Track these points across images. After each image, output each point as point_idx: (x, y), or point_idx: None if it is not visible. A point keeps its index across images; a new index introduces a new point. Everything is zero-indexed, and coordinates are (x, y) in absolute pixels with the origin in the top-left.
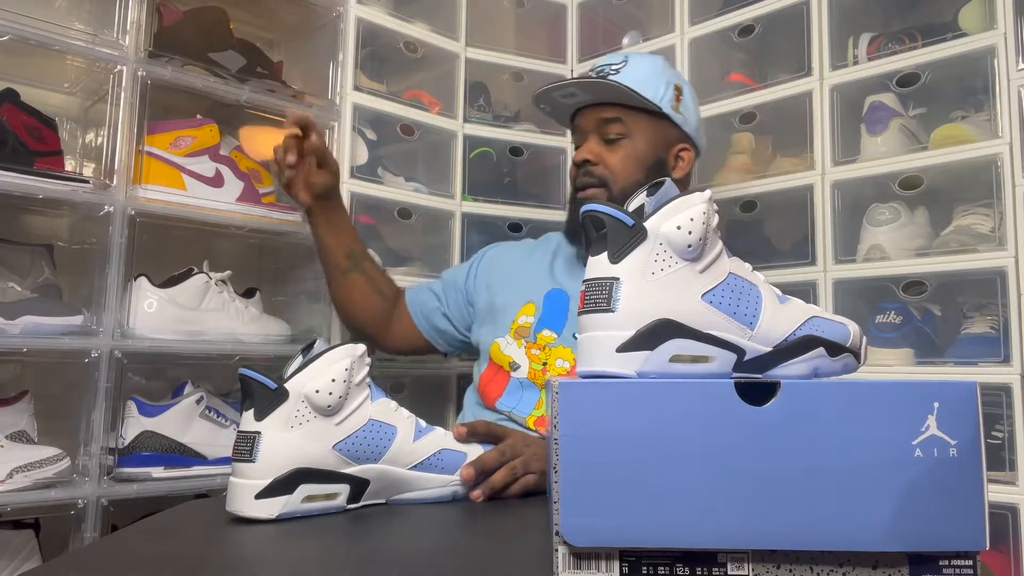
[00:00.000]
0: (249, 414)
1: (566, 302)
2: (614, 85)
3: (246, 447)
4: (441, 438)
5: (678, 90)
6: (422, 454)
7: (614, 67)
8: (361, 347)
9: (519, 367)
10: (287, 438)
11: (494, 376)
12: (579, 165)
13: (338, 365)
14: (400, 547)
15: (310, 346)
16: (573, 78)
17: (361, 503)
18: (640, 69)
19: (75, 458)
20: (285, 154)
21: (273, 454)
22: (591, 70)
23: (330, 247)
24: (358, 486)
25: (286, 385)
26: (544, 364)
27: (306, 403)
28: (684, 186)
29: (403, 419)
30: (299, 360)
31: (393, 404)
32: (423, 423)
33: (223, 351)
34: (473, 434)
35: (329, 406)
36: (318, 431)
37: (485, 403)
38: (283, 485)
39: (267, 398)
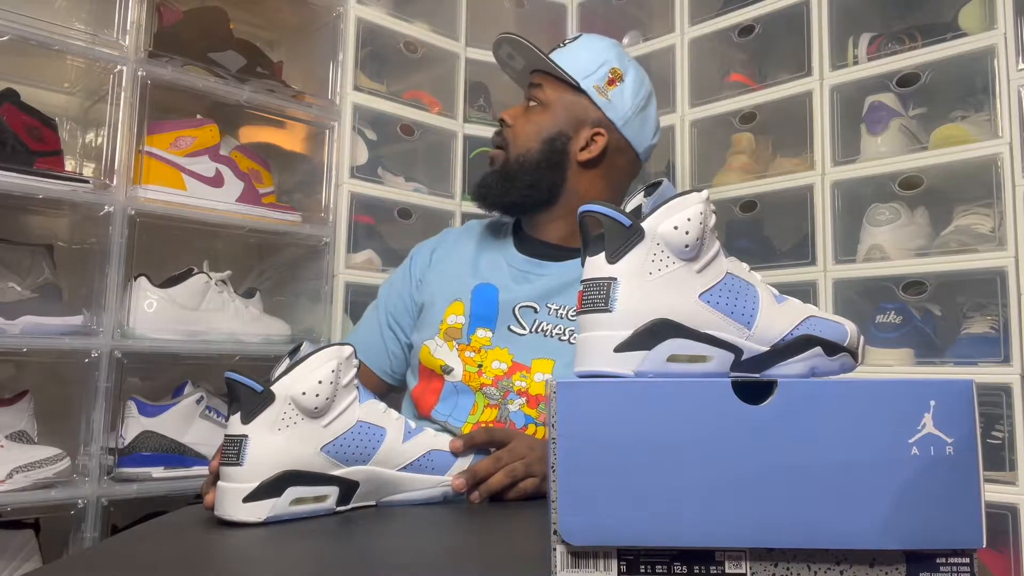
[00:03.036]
0: (236, 417)
1: (495, 296)
2: (530, 48)
3: (233, 450)
4: (431, 439)
5: (615, 74)
6: (412, 455)
7: (566, 41)
8: (348, 349)
9: (452, 370)
10: (274, 441)
11: (428, 384)
12: (501, 123)
13: (325, 367)
14: (392, 549)
15: (297, 348)
16: (508, 33)
17: (351, 505)
18: (584, 46)
19: (75, 458)
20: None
21: (260, 457)
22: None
23: None
24: (347, 488)
25: (272, 388)
26: (480, 366)
27: (293, 405)
28: (588, 170)
29: (392, 420)
30: (286, 363)
31: (382, 406)
32: (412, 424)
33: (223, 351)
34: (472, 446)
35: (316, 408)
36: (305, 433)
37: (420, 412)
38: (270, 488)
39: (253, 401)
